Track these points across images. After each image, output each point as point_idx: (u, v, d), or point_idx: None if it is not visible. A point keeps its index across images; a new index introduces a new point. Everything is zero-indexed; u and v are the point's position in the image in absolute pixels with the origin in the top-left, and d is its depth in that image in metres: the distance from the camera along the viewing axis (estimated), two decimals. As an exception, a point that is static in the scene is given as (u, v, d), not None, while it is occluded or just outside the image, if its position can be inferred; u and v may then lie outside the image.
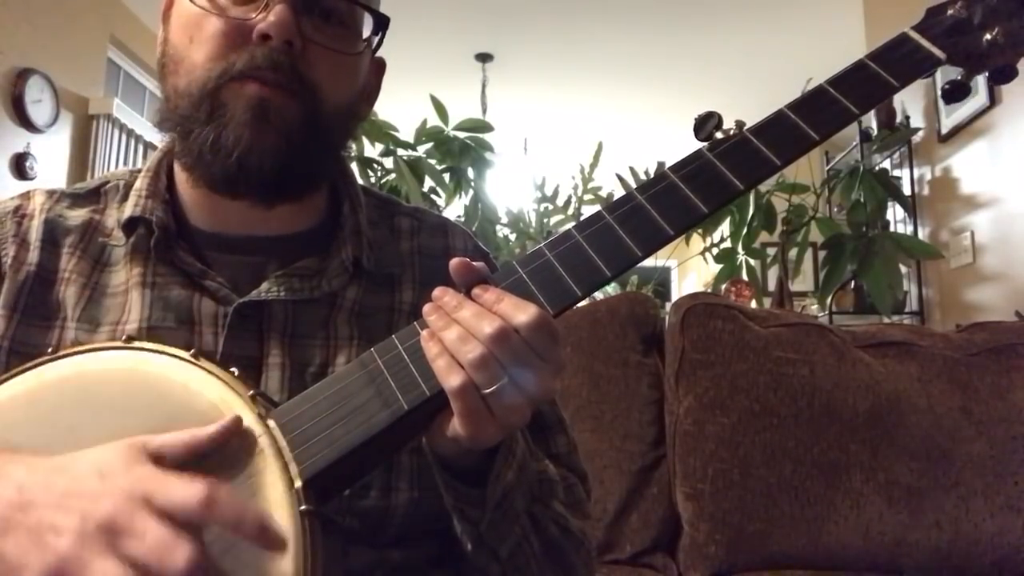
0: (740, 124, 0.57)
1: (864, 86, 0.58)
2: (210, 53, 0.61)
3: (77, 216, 0.68)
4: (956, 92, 0.61)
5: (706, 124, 0.58)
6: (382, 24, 0.67)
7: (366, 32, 0.67)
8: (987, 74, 0.60)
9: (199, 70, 0.61)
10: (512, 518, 0.58)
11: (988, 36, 0.58)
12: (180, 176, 0.68)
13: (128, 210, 0.66)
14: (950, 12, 0.60)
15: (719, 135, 0.57)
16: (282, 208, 0.66)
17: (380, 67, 0.74)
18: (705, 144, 0.58)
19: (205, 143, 0.60)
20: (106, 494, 0.43)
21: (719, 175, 0.56)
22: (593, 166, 2.98)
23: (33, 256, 0.65)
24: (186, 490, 0.43)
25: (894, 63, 0.59)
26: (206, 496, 0.42)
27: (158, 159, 0.70)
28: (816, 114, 0.57)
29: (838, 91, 0.58)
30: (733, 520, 1.14)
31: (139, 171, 0.71)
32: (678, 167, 0.57)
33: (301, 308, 0.64)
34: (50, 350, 0.55)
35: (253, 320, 0.63)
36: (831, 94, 0.58)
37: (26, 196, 0.70)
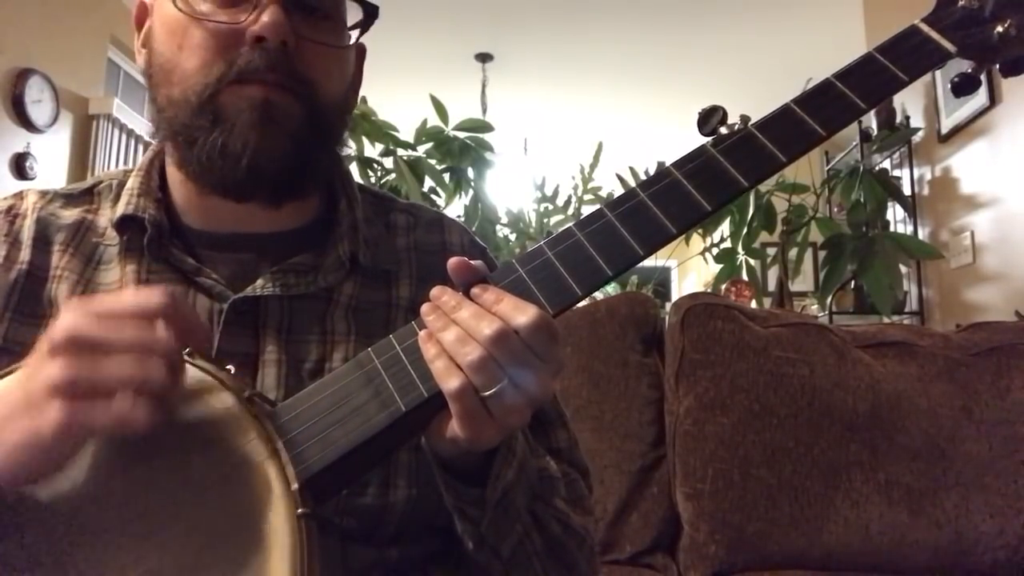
0: (745, 119, 0.56)
1: (872, 80, 0.57)
2: (204, 59, 0.60)
3: (70, 215, 0.68)
4: (966, 85, 0.59)
5: (710, 118, 0.56)
6: (371, 15, 0.66)
7: (350, 22, 0.66)
8: (998, 66, 0.59)
9: (194, 77, 0.60)
10: (513, 517, 0.58)
11: (1000, 28, 0.57)
12: (173, 176, 0.67)
13: (121, 209, 0.65)
14: (961, 4, 0.59)
15: (723, 130, 0.56)
16: (288, 206, 0.65)
17: (361, 53, 0.74)
18: (709, 139, 0.56)
19: (214, 150, 0.59)
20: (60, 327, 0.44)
21: (723, 171, 0.54)
22: (593, 166, 2.98)
23: (25, 255, 0.65)
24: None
25: (903, 56, 0.57)
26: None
27: (150, 158, 0.70)
28: (823, 109, 0.56)
29: (845, 85, 0.56)
30: (733, 520, 1.14)
31: (132, 171, 0.70)
32: (681, 163, 0.55)
33: (297, 304, 0.64)
34: None
35: (248, 316, 0.62)
36: (838, 88, 0.56)
37: (19, 196, 0.70)
